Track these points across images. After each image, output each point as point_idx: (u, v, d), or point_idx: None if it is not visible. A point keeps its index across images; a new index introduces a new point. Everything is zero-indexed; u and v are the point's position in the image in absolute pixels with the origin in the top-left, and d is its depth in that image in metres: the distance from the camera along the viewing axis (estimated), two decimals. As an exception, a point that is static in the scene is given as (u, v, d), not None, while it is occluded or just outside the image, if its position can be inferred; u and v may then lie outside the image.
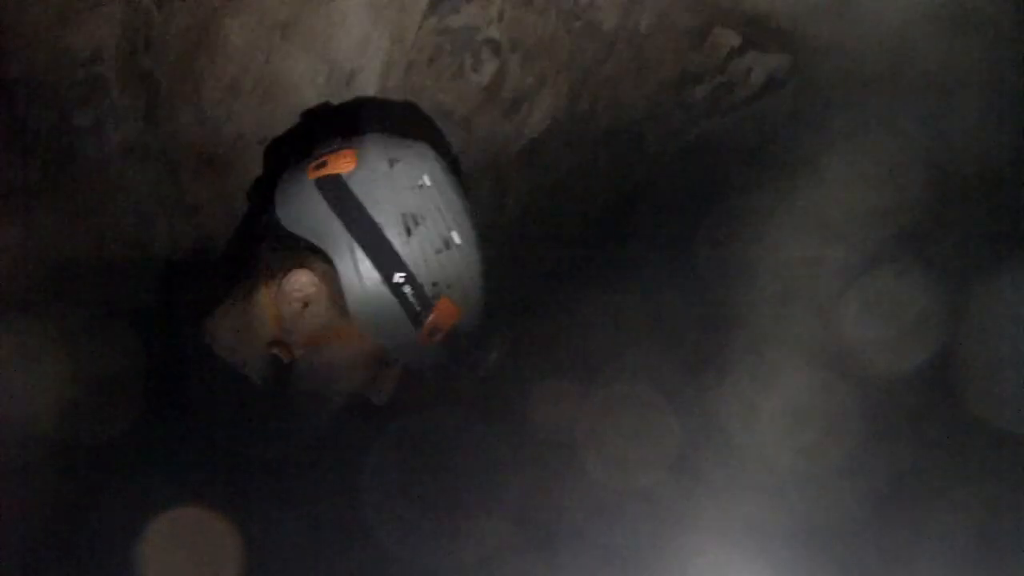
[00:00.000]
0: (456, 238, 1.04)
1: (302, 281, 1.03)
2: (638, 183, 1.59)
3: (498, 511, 1.23)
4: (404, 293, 1.01)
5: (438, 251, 1.02)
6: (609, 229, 1.62)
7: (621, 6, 1.41)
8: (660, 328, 1.53)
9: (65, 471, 0.95)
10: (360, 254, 1.01)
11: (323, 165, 1.05)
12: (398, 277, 1.01)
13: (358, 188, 1.02)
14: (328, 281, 1.03)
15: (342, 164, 1.04)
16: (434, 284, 1.02)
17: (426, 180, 1.04)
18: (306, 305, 1.03)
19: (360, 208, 1.02)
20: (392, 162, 1.04)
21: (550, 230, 1.59)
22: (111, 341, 0.96)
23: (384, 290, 1.01)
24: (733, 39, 1.50)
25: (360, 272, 1.01)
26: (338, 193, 1.02)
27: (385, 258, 1.01)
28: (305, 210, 1.04)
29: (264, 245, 1.09)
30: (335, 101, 1.32)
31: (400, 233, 1.01)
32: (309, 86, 1.30)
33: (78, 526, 0.94)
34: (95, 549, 0.93)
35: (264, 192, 1.13)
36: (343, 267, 1.02)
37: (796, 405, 1.46)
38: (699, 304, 1.58)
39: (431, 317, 1.03)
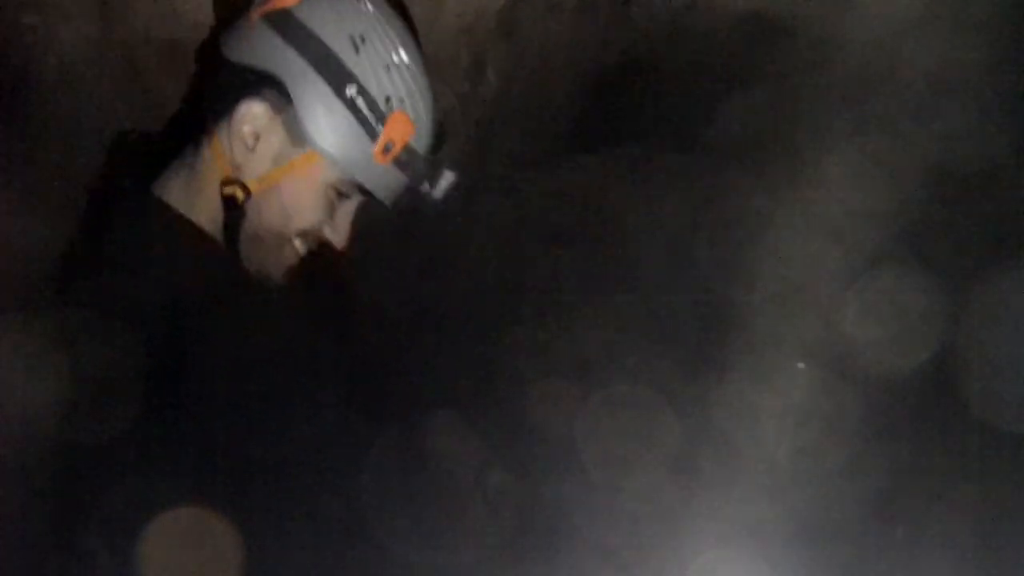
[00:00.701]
0: (404, 56, 1.09)
1: (253, 112, 1.06)
2: (626, 53, 1.56)
3: (498, 511, 1.23)
4: (357, 106, 1.05)
5: (387, 67, 1.07)
6: (597, 106, 1.60)
7: None
8: (660, 328, 1.53)
9: (65, 471, 0.95)
10: (312, 73, 1.05)
11: (267, 3, 1.09)
12: (350, 90, 1.05)
13: (304, 15, 1.06)
14: (279, 109, 1.06)
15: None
16: (387, 99, 1.07)
17: (368, 5, 1.09)
18: (257, 139, 1.06)
19: (307, 32, 1.05)
20: None
21: (534, 106, 1.57)
22: (111, 341, 0.96)
23: (338, 105, 1.05)
24: None
25: (314, 90, 1.04)
26: (285, 23, 1.06)
27: (336, 74, 1.05)
28: (253, 44, 1.07)
29: (210, 89, 1.12)
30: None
31: (348, 50, 1.05)
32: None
33: (78, 526, 0.94)
34: (95, 549, 0.93)
35: (211, 53, 1.16)
36: (296, 88, 1.04)
37: (796, 405, 1.46)
38: (699, 304, 1.58)
39: (385, 131, 1.06)
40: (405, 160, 1.09)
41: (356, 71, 1.05)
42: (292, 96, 1.05)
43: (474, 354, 1.46)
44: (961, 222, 1.54)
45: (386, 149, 1.07)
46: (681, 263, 1.61)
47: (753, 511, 1.41)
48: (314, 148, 1.06)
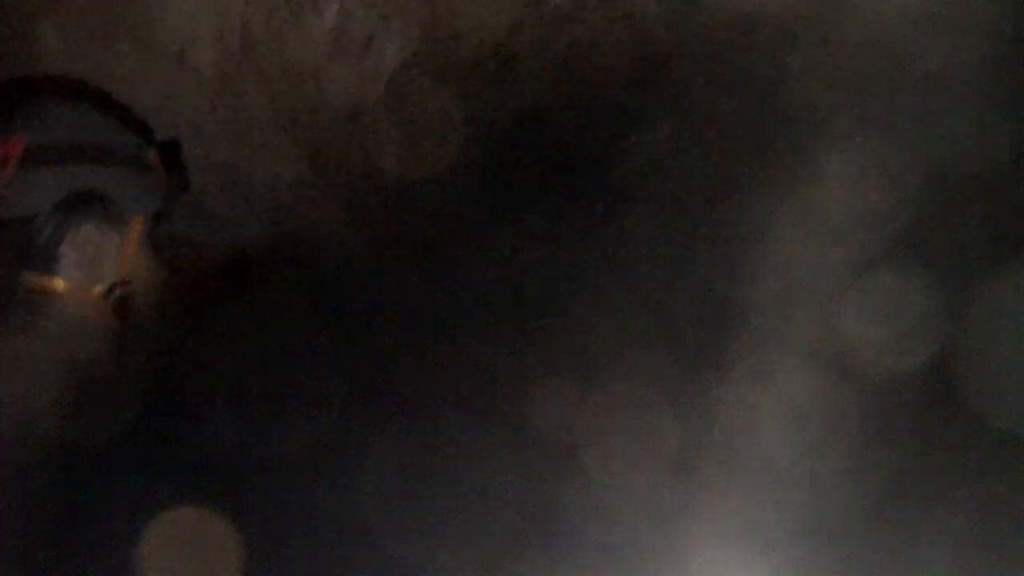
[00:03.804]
0: None
1: None
2: (517, 111, 1.52)
3: (498, 511, 1.23)
4: None
5: None
6: (490, 168, 1.57)
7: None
8: (660, 328, 1.52)
9: (65, 471, 0.95)
10: None
11: None
12: None
13: None
14: None
15: None
16: None
17: None
18: None
19: None
20: None
21: (429, 179, 1.51)
22: (111, 341, 0.96)
23: None
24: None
25: None
26: None
27: None
28: None
29: None
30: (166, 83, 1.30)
31: None
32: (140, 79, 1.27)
33: (78, 526, 0.94)
34: (95, 549, 0.93)
35: None
36: None
37: (796, 405, 1.46)
38: (699, 304, 1.57)
39: None
40: (30, 166, 1.08)
41: None
42: None
43: (474, 354, 1.46)
44: (961, 222, 1.54)
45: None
46: (681, 263, 1.61)
47: (753, 511, 1.41)
48: None
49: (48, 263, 1.07)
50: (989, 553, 1.37)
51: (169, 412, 1.00)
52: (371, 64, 1.40)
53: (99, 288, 1.08)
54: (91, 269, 1.07)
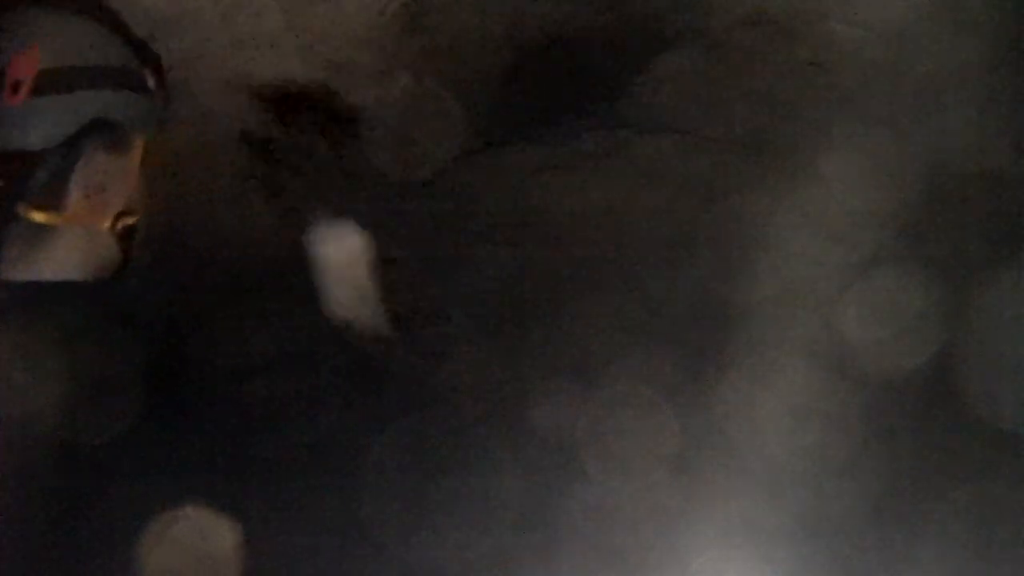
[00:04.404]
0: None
1: None
2: (543, 29, 1.51)
3: (498, 511, 1.23)
4: None
5: None
6: (519, 87, 1.56)
7: None
8: (660, 328, 1.53)
9: (65, 471, 0.95)
10: None
11: None
12: None
13: None
14: None
15: None
16: None
17: None
18: None
19: None
20: None
21: (449, 98, 1.51)
22: (111, 341, 0.96)
23: None
24: None
25: None
26: None
27: None
28: None
29: None
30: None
31: None
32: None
33: (78, 526, 0.94)
34: (95, 549, 0.93)
35: None
36: None
37: (796, 405, 1.46)
38: (699, 304, 1.58)
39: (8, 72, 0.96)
40: (43, 87, 0.96)
41: None
42: None
43: (475, 354, 1.46)
44: (961, 222, 1.54)
45: (15, 89, 0.94)
46: (681, 263, 1.61)
47: (753, 511, 1.41)
48: None
49: (57, 196, 0.99)
50: (989, 553, 1.37)
51: (169, 412, 1.00)
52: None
53: (107, 220, 1.03)
54: (99, 200, 1.03)
